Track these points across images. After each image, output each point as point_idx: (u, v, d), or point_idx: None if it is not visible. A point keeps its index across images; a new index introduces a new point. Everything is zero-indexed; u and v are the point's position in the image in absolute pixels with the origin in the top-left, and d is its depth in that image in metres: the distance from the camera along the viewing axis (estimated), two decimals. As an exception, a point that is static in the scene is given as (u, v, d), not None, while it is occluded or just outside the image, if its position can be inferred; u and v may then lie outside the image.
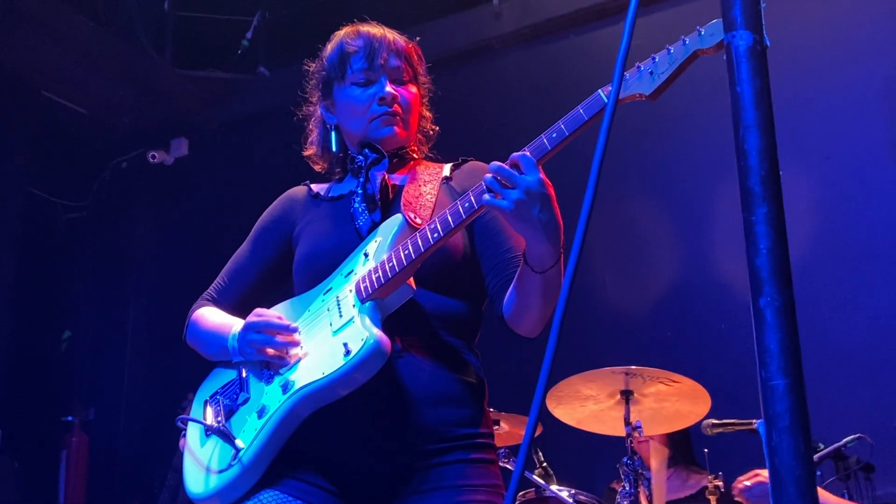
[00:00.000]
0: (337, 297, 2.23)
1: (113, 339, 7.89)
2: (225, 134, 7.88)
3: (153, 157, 7.92)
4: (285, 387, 2.17)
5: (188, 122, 7.98)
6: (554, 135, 1.99)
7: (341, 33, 2.50)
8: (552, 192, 2.00)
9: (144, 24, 7.23)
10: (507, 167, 1.98)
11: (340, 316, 2.18)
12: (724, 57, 1.28)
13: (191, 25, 7.47)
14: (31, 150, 7.65)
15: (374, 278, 2.14)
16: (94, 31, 6.95)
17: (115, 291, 8.03)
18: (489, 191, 2.00)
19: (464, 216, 2.06)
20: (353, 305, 2.16)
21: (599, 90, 1.96)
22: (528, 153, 1.99)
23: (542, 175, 1.97)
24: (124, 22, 7.12)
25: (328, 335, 2.17)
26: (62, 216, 8.01)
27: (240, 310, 2.43)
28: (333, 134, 2.51)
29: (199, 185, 7.88)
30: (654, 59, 1.91)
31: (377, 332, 2.07)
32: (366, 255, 2.23)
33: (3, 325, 7.28)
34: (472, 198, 2.06)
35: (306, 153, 2.59)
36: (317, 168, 2.59)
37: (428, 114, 2.56)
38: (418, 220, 2.22)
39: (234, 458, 2.19)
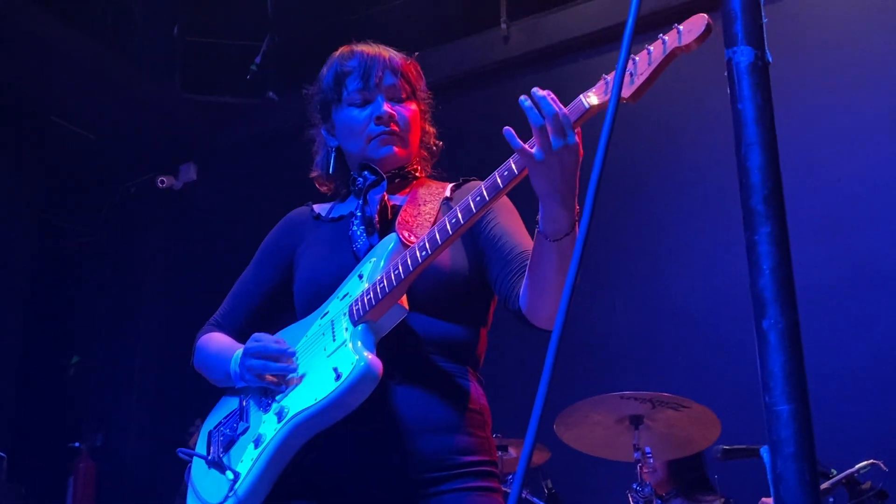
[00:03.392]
0: (332, 320, 2.20)
1: (121, 364, 7.88)
2: (234, 158, 7.89)
3: (162, 181, 7.93)
4: (280, 414, 2.15)
5: (197, 147, 7.99)
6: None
7: (336, 54, 2.48)
8: (581, 156, 1.94)
9: (153, 50, 7.27)
10: (562, 113, 1.91)
11: (334, 340, 2.15)
12: (726, 73, 1.25)
13: (200, 50, 7.51)
14: (41, 175, 7.68)
15: (365, 300, 2.11)
16: (104, 57, 6.98)
17: (124, 316, 8.03)
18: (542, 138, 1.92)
19: (451, 232, 2.02)
20: (346, 328, 2.14)
21: (580, 96, 1.92)
22: (567, 112, 1.92)
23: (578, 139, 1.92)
24: (133, 47, 7.16)
25: (322, 360, 2.15)
26: (71, 241, 8.02)
27: (245, 334, 2.40)
28: (333, 157, 2.50)
29: (208, 209, 7.88)
30: (634, 60, 1.86)
31: (367, 355, 2.04)
32: (360, 276, 2.20)
33: (12, 350, 7.28)
34: (459, 213, 2.01)
35: (312, 175, 2.58)
36: (323, 189, 2.58)
37: (431, 129, 2.52)
38: (413, 239, 2.18)
39: (230, 490, 2.17)
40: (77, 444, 7.33)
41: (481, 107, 6.64)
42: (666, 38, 1.81)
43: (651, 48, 1.84)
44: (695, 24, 1.75)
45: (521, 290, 2.14)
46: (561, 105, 1.93)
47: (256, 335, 2.26)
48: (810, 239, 5.08)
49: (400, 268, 2.07)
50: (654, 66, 1.82)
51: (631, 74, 1.85)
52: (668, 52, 1.81)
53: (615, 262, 5.82)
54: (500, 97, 6.74)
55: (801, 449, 1.08)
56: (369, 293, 2.11)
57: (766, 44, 1.24)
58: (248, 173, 7.72)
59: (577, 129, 1.93)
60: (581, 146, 1.93)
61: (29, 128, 7.38)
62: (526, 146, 1.93)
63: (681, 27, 1.79)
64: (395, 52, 2.47)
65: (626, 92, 1.85)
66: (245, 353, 2.24)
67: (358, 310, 2.12)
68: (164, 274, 8.06)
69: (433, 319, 2.21)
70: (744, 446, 4.02)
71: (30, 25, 6.52)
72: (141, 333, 7.97)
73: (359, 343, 2.08)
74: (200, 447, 2.38)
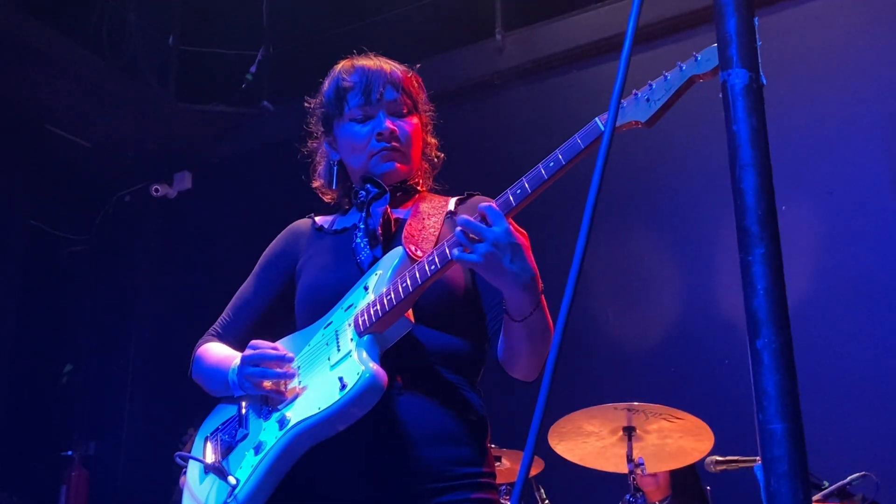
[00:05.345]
0: (336, 331, 2.21)
1: (114, 373, 7.86)
2: (228, 168, 7.89)
3: (156, 190, 7.93)
4: (282, 422, 2.15)
5: (192, 156, 8.00)
6: (536, 175, 1.98)
7: (338, 68, 2.48)
8: (525, 240, 2.00)
9: (149, 59, 7.27)
10: (474, 221, 1.97)
11: (338, 350, 2.16)
12: (721, 95, 1.27)
13: (195, 60, 7.52)
14: (35, 184, 7.67)
15: (372, 311, 2.12)
16: (99, 66, 6.99)
17: (117, 325, 8.02)
18: (459, 245, 1.99)
19: None
20: (351, 339, 2.14)
21: (596, 118, 1.93)
22: (493, 205, 1.98)
23: (509, 225, 1.97)
24: (129, 56, 7.16)
25: (326, 369, 2.15)
26: (65, 249, 8.01)
27: (245, 345, 2.38)
28: (336, 170, 2.50)
29: (203, 218, 7.88)
30: (650, 85, 1.89)
31: (373, 366, 2.04)
32: (366, 288, 2.21)
33: (4, 358, 7.26)
34: None
35: (314, 185, 2.58)
36: (326, 199, 2.58)
37: (432, 140, 2.53)
38: (419, 253, 2.19)
39: (230, 496, 2.16)
40: (69, 453, 7.33)
41: (476, 117, 6.65)
42: (683, 65, 1.83)
43: (668, 74, 1.87)
44: (714, 55, 1.77)
45: (498, 345, 2.20)
46: (484, 205, 1.98)
47: (254, 342, 2.26)
48: (802, 252, 5.10)
49: (408, 281, 2.08)
50: (671, 92, 1.85)
51: (648, 100, 1.87)
52: (686, 78, 1.83)
53: (609, 274, 5.83)
54: (495, 108, 6.76)
55: (794, 467, 1.09)
56: (375, 305, 2.12)
57: (760, 66, 1.25)
58: (243, 182, 7.72)
59: (508, 217, 1.99)
60: (515, 232, 1.98)
61: (23, 136, 7.37)
62: (464, 256, 1.98)
63: (698, 55, 1.81)
64: (396, 64, 2.47)
65: (644, 116, 1.88)
66: (243, 362, 2.24)
67: (364, 321, 2.13)
68: (157, 283, 8.05)
69: (437, 331, 2.21)
70: (736, 457, 4.04)
71: (24, 34, 6.53)
72: (133, 342, 7.96)
73: (364, 354, 2.08)
74: (197, 452, 2.37)
